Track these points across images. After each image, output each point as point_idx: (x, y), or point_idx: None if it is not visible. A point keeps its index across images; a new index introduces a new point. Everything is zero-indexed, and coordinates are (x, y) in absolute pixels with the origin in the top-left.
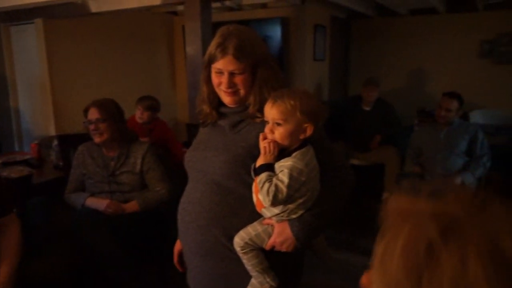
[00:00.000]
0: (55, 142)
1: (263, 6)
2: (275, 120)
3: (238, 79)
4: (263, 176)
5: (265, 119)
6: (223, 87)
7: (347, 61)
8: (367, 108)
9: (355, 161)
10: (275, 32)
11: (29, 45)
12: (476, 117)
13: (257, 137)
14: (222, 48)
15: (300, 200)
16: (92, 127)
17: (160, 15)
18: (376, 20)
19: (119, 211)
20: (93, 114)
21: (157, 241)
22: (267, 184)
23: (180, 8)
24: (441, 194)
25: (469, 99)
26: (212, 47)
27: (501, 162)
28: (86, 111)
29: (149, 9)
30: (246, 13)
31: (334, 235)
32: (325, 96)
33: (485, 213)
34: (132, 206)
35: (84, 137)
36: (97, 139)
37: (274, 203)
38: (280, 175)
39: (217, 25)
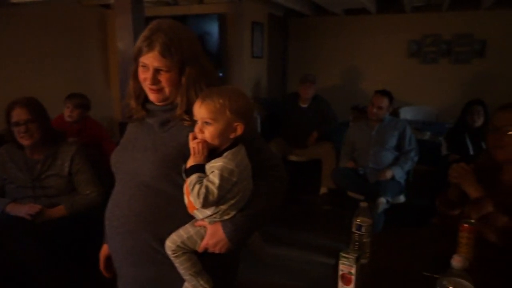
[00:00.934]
0: None
1: (200, 1)
2: (204, 119)
3: (163, 77)
4: (193, 177)
5: (194, 118)
6: (148, 83)
7: (285, 58)
8: (304, 105)
9: (293, 157)
10: (213, 29)
11: None
12: (406, 113)
13: (188, 137)
14: (149, 42)
15: (232, 201)
16: (21, 129)
17: (91, 8)
18: (312, 18)
19: (45, 216)
20: (21, 114)
21: (87, 247)
22: (197, 186)
23: (112, 1)
24: None
25: (399, 96)
26: (139, 41)
27: (428, 156)
28: (8, 112)
29: (79, 1)
30: (182, 8)
31: (272, 231)
32: (263, 94)
33: None
34: (58, 211)
35: (3, 138)
36: (26, 142)
37: (205, 205)
38: (211, 176)
39: (151, 20)
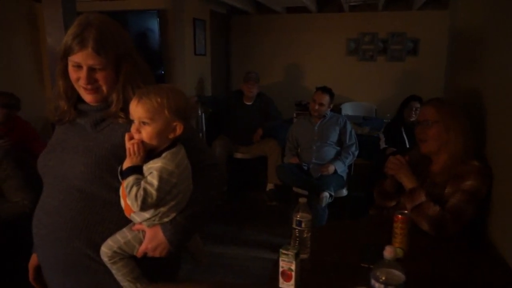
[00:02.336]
0: None
1: None
2: (141, 119)
3: (99, 75)
4: (131, 179)
5: (131, 117)
6: (82, 83)
7: (228, 56)
8: (248, 103)
9: (238, 155)
10: (152, 25)
11: None
12: (347, 109)
13: (123, 137)
14: (80, 39)
15: (172, 203)
16: None
17: (19, 1)
18: (255, 16)
19: None
20: None
21: (16, 258)
22: (135, 188)
23: None
24: None
25: (340, 93)
26: (68, 38)
27: (366, 150)
28: None
29: None
30: (119, 3)
31: (217, 230)
32: (207, 91)
33: None
34: None
35: None
36: None
37: (144, 207)
38: (149, 178)
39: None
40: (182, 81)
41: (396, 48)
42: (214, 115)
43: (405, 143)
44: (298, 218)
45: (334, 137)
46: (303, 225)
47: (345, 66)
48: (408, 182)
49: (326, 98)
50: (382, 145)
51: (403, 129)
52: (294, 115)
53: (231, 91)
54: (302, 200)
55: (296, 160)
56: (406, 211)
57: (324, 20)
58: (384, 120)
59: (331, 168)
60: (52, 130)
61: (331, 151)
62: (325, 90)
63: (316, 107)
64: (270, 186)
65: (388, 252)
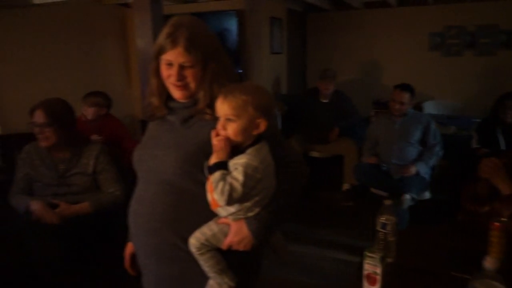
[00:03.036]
0: None
1: None
2: (227, 116)
3: (188, 72)
4: (217, 174)
5: (217, 115)
6: (173, 80)
7: (304, 54)
8: (325, 101)
9: (314, 154)
10: (231, 25)
11: None
12: (429, 107)
13: (210, 133)
14: (173, 38)
15: (257, 198)
16: (37, 130)
17: (111, 7)
18: (332, 13)
19: (70, 212)
20: (39, 117)
21: (109, 244)
22: (221, 183)
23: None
24: None
25: (421, 90)
26: (161, 38)
27: (451, 151)
28: (32, 112)
29: (99, 0)
30: (200, 6)
31: (293, 228)
32: (283, 89)
33: None
34: (83, 207)
35: (30, 137)
36: (42, 143)
37: (230, 202)
38: (235, 173)
39: (170, 17)
40: (259, 80)
41: (486, 41)
42: (289, 113)
43: (499, 144)
44: (383, 221)
45: (416, 136)
46: (388, 228)
47: (428, 62)
48: (505, 187)
49: (406, 96)
50: (474, 144)
51: (498, 129)
52: (372, 113)
53: (307, 89)
54: (388, 202)
55: (375, 160)
56: (504, 218)
57: (405, 14)
58: (473, 120)
59: (413, 169)
60: (140, 127)
61: (412, 151)
62: (405, 87)
63: (397, 106)
64: (346, 186)
65: (489, 263)
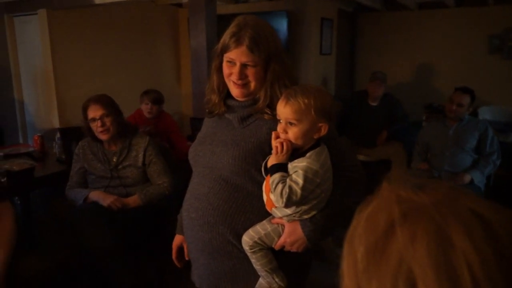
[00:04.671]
0: (58, 135)
1: None
2: (288, 119)
3: (249, 71)
4: (276, 176)
5: (278, 118)
6: (234, 78)
7: (354, 55)
8: (374, 104)
9: (360, 157)
10: (281, 26)
11: (32, 36)
12: (485, 113)
13: (268, 133)
14: (237, 38)
15: (314, 202)
16: (98, 124)
17: (164, 7)
18: (384, 14)
19: (122, 205)
20: (97, 110)
21: (157, 236)
22: (280, 185)
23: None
24: (422, 186)
25: (478, 95)
26: (226, 36)
27: (509, 160)
28: (85, 109)
29: (153, 0)
30: (251, 6)
31: (339, 232)
32: (331, 91)
33: (452, 205)
34: (134, 200)
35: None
36: (104, 136)
37: (288, 204)
38: (294, 176)
39: (222, 17)
40: (307, 81)
41: None
42: (337, 116)
43: None
44: None
45: (471, 143)
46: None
47: (486, 66)
48: None
49: (466, 99)
50: None
51: None
52: (424, 117)
53: (355, 91)
54: None
55: (426, 166)
56: None
57: (462, 15)
58: None
59: (467, 178)
60: (190, 124)
61: (467, 159)
62: (466, 90)
63: (454, 107)
64: (385, 185)
65: None
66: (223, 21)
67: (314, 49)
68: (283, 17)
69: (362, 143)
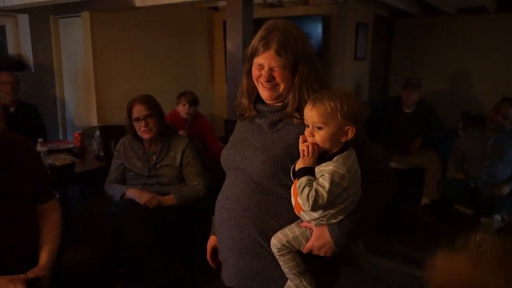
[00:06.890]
0: (97, 133)
1: (305, 3)
2: (315, 123)
3: (277, 74)
4: (303, 180)
5: (305, 122)
6: (262, 79)
7: (388, 61)
8: (408, 110)
9: (393, 164)
10: (316, 30)
11: (75, 37)
12: None
13: (297, 138)
14: (265, 42)
15: (341, 206)
16: (142, 123)
17: (201, 10)
18: (421, 19)
19: (158, 202)
20: (141, 110)
21: (190, 235)
22: (307, 189)
23: (222, 3)
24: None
25: None
26: (255, 41)
27: None
28: (130, 108)
29: (191, 4)
30: (287, 10)
31: (368, 239)
32: (364, 97)
33: None
34: (169, 199)
35: (124, 129)
36: (147, 135)
37: (314, 208)
38: (321, 180)
39: (257, 21)
40: (340, 85)
41: None
42: (370, 122)
43: None
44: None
45: (511, 154)
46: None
47: None
48: None
49: None
50: None
51: None
52: (460, 126)
53: (389, 97)
54: (485, 220)
55: (462, 175)
56: None
57: (503, 20)
58: None
59: (506, 189)
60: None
61: (506, 170)
62: None
63: (499, 118)
64: (425, 201)
65: None
66: (259, 25)
67: (349, 54)
68: (319, 21)
69: (395, 150)
